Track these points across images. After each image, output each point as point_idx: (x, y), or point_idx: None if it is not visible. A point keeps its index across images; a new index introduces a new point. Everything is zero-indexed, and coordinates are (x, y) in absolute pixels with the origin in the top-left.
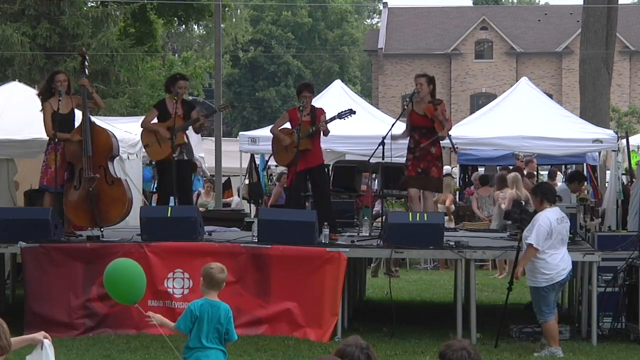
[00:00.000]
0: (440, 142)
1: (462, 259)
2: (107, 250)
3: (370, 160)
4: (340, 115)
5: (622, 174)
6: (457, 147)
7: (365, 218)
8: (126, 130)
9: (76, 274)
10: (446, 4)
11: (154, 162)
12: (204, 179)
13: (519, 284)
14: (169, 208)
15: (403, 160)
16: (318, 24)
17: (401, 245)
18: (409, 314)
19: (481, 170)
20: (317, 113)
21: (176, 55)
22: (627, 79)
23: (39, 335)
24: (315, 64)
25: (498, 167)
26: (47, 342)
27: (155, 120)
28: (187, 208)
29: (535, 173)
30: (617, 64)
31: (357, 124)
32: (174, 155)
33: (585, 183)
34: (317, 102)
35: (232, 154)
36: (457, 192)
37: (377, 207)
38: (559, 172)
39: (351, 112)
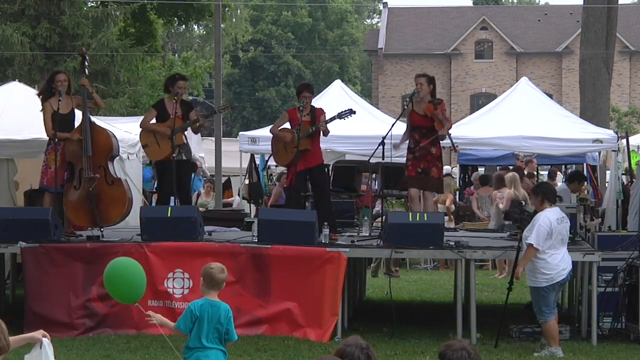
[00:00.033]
0: (441, 141)
1: (462, 259)
2: (107, 250)
3: (370, 160)
4: (340, 115)
5: (622, 174)
6: (457, 146)
7: (365, 218)
8: (126, 130)
9: (76, 274)
10: (446, 4)
11: (153, 162)
12: (204, 179)
13: (519, 284)
14: (169, 208)
15: (403, 160)
16: (318, 24)
17: (401, 245)
18: (409, 314)
19: (481, 170)
20: (317, 113)
21: (176, 55)
22: (627, 79)
23: (38, 334)
24: (315, 64)
25: (498, 167)
26: (46, 341)
27: (153, 121)
28: (187, 208)
29: (535, 173)
30: (617, 64)
31: (357, 124)
32: (173, 155)
33: (585, 183)
34: (317, 102)
35: (232, 154)
36: (457, 192)
37: (377, 207)
38: (559, 172)
39: (351, 112)
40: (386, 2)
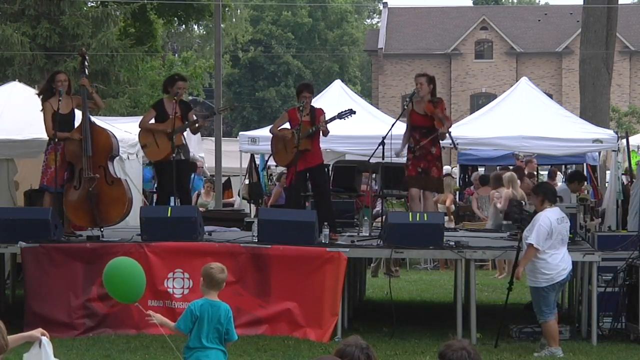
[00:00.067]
0: (441, 141)
1: (462, 259)
2: (107, 250)
3: (370, 160)
4: (340, 116)
5: (622, 174)
6: (457, 144)
7: (365, 218)
8: (126, 130)
9: (76, 274)
10: (446, 4)
11: (152, 163)
12: (204, 179)
13: (519, 284)
14: (169, 208)
15: (403, 160)
16: (318, 24)
17: (401, 245)
18: (409, 314)
19: (481, 170)
20: (317, 113)
21: (176, 55)
22: (627, 79)
23: (37, 332)
24: (315, 64)
25: (498, 167)
26: (45, 340)
27: (152, 121)
28: (187, 208)
29: (535, 173)
30: (617, 64)
31: (357, 124)
32: (173, 155)
33: (585, 183)
34: (317, 102)
35: (232, 154)
36: (457, 192)
37: (377, 207)
38: (559, 172)
39: (351, 112)
40: (386, 2)
